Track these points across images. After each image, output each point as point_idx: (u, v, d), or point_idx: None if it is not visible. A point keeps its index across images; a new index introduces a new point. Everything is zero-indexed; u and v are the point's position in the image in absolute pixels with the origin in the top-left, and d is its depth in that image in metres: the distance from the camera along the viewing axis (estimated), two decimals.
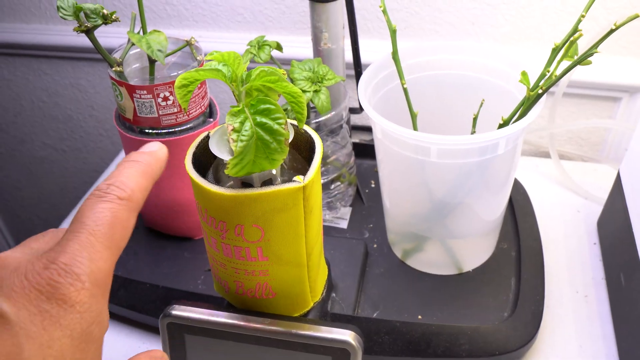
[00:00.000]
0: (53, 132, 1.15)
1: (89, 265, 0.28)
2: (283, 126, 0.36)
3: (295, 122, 0.40)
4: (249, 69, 0.37)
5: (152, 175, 0.34)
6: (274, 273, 0.41)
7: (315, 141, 0.41)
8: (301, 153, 0.42)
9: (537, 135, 0.82)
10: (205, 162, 0.42)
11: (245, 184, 0.39)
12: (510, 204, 0.68)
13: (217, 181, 0.40)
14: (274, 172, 0.39)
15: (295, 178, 0.37)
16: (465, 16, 0.78)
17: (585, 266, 0.65)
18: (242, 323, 0.42)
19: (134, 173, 0.33)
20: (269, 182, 0.39)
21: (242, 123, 0.35)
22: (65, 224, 0.79)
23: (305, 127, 0.41)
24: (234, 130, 0.35)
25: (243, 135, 0.35)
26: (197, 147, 0.41)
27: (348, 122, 0.69)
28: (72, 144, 1.16)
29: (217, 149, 0.38)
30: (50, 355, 0.26)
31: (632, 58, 0.77)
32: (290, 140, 0.37)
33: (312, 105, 0.62)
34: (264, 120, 0.35)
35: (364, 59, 0.68)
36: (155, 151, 0.35)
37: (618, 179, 0.62)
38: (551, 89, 0.74)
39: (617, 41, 0.75)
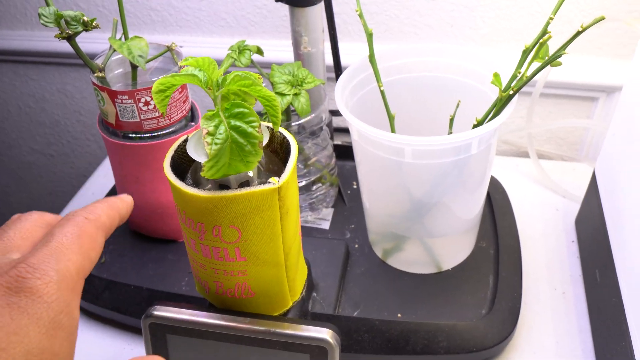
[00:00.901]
0: (40, 137, 1.15)
1: (56, 264, 0.30)
2: (257, 129, 0.36)
3: (270, 125, 0.41)
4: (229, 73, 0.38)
5: (119, 210, 0.38)
6: (253, 273, 0.42)
7: (291, 143, 0.41)
8: (278, 155, 0.43)
9: (516, 135, 0.84)
10: (185, 165, 0.42)
11: (223, 186, 0.40)
12: (489, 203, 0.69)
13: (196, 184, 0.40)
14: (250, 174, 0.40)
15: (270, 179, 0.38)
16: (443, 19, 0.79)
17: (563, 264, 0.66)
18: (222, 322, 0.43)
19: (100, 205, 0.37)
20: (246, 184, 0.40)
21: (216, 126, 0.36)
22: None
23: (281, 130, 0.42)
24: (208, 133, 0.36)
25: (217, 139, 0.36)
26: (176, 151, 0.42)
27: (329, 124, 0.70)
28: (59, 149, 1.17)
29: (195, 152, 0.39)
30: (17, 341, 0.28)
31: (607, 58, 0.78)
32: (265, 143, 0.38)
33: (292, 108, 0.64)
34: (238, 123, 0.36)
35: (345, 61, 0.69)
36: (122, 197, 0.40)
37: (593, 178, 0.63)
38: (528, 90, 0.75)
39: (592, 42, 0.77)
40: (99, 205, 0.37)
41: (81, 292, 0.32)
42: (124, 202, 0.39)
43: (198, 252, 0.41)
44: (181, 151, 0.42)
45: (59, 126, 1.12)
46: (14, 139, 1.17)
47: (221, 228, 0.39)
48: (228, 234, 0.39)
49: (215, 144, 0.35)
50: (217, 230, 0.39)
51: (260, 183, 0.39)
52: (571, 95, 0.81)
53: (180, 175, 0.40)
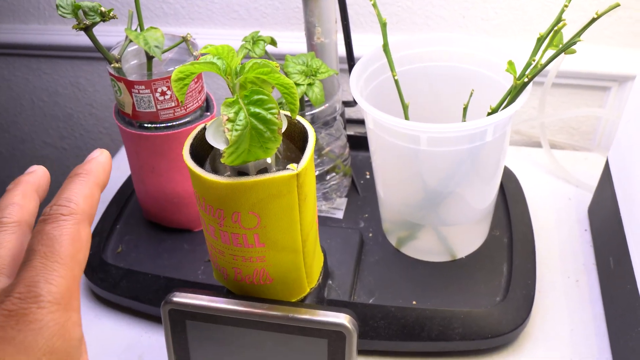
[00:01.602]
0: (53, 131, 1.16)
1: (44, 287, 0.29)
2: (276, 116, 0.37)
3: (288, 113, 0.41)
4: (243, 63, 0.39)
5: (97, 182, 0.35)
6: (271, 259, 0.43)
7: (308, 131, 0.42)
8: (295, 143, 0.44)
9: (528, 125, 0.84)
10: (203, 154, 0.43)
11: (241, 173, 0.40)
12: (502, 192, 0.70)
13: (215, 171, 0.41)
14: (268, 161, 0.41)
15: (289, 166, 0.39)
16: (455, 9, 0.79)
17: (576, 252, 0.67)
18: (241, 308, 0.44)
19: (75, 186, 0.34)
20: (264, 171, 0.40)
21: (236, 113, 0.36)
22: None
23: (298, 118, 0.43)
24: (228, 120, 0.36)
25: (238, 125, 0.36)
26: (195, 139, 0.42)
27: (342, 114, 0.70)
28: (72, 142, 1.17)
29: (214, 139, 0.39)
30: None
31: (620, 48, 0.78)
32: (283, 130, 0.39)
33: (306, 98, 0.64)
34: (257, 110, 0.37)
35: (357, 52, 0.70)
36: (95, 157, 0.36)
37: (607, 167, 0.63)
38: (540, 79, 0.75)
39: (604, 31, 0.76)
40: (73, 187, 0.33)
41: (79, 304, 0.31)
42: (100, 165, 0.36)
43: (217, 238, 0.42)
44: (199, 140, 0.42)
45: (72, 119, 1.13)
46: (27, 132, 1.18)
47: (240, 214, 0.39)
48: (247, 220, 0.40)
49: (236, 130, 0.36)
50: (237, 216, 0.40)
51: (278, 170, 0.39)
52: (583, 84, 0.81)
53: (199, 164, 0.40)
